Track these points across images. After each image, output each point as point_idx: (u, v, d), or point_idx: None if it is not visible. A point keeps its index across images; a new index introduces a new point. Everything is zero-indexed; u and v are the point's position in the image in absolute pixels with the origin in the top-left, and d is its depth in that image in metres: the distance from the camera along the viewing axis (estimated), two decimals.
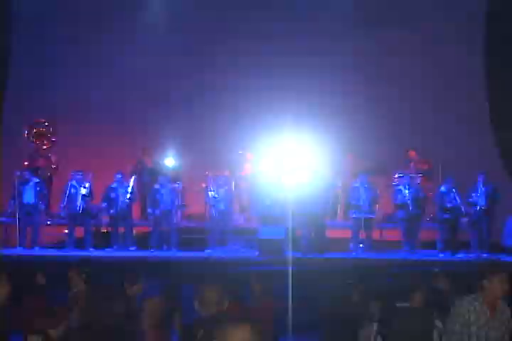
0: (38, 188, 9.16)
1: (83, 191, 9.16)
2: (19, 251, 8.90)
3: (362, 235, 9.42)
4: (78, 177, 9.23)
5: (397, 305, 4.12)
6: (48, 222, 9.97)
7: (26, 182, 9.20)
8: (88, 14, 11.70)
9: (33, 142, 10.81)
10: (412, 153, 10.40)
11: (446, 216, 9.25)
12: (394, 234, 9.81)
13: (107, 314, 3.63)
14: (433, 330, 3.87)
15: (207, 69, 11.62)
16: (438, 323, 3.89)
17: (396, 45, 11.53)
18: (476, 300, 3.58)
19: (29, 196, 9.10)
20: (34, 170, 9.89)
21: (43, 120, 10.96)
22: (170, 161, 10.88)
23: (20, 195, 9.13)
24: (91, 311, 3.80)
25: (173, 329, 4.05)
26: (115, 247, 9.17)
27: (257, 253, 8.79)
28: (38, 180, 9.28)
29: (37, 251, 8.87)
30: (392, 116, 11.18)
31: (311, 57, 11.31)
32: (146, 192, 9.97)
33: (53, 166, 10.55)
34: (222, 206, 9.35)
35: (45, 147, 10.83)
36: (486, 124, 11.33)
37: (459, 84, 11.58)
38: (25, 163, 10.41)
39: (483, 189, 9.13)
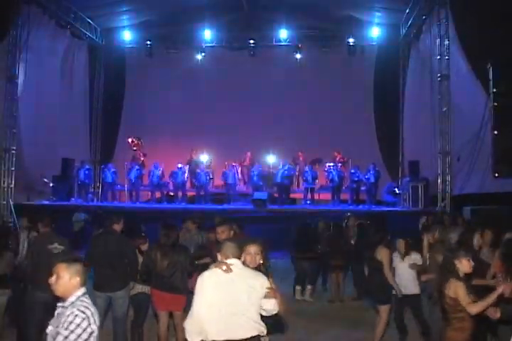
0: (137, 172, 16.69)
1: (158, 172, 16.77)
2: (128, 204, 16.51)
3: (308, 196, 16.42)
4: (156, 165, 16.76)
5: None
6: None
7: (132, 168, 16.81)
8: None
9: (133, 147, 18.32)
10: (337, 153, 17.13)
11: (353, 185, 16.19)
12: (326, 196, 16.84)
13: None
14: None
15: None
16: None
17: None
18: None
19: (133, 175, 16.70)
20: (135, 161, 17.45)
21: (137, 136, 18.30)
22: (206, 156, 18.01)
23: (129, 174, 16.83)
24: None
25: None
26: (177, 203, 16.71)
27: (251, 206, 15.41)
28: (138, 167, 16.80)
29: (138, 204, 16.38)
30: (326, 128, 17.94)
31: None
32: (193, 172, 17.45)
33: (143, 159, 17.93)
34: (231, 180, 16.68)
35: (139, 150, 18.31)
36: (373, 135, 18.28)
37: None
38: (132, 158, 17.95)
39: (372, 171, 16.12)
